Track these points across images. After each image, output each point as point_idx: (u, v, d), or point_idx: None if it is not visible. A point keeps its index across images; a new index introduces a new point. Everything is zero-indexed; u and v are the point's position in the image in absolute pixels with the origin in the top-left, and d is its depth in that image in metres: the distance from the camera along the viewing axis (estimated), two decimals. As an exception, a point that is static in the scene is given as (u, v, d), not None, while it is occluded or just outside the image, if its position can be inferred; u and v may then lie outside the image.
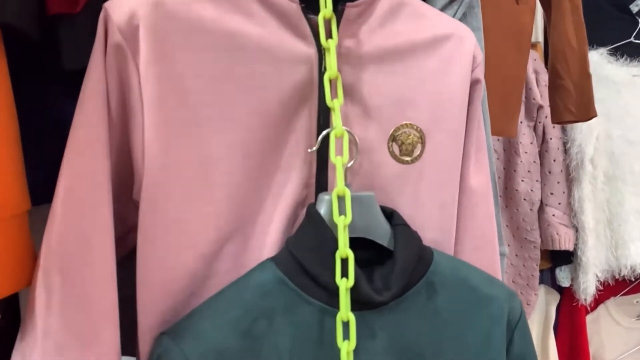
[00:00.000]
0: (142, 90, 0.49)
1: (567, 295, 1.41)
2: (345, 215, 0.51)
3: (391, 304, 0.53)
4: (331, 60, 0.53)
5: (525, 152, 1.26)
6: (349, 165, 0.56)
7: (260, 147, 0.53)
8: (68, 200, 0.49)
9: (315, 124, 0.56)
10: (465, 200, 0.66)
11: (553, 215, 1.29)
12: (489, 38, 0.79)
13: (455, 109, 0.63)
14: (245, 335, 0.48)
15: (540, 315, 1.41)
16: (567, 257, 1.33)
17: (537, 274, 1.30)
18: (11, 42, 0.51)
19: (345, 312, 0.49)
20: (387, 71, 0.58)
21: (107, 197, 0.50)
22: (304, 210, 0.55)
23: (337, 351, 0.49)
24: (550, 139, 1.29)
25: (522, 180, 1.27)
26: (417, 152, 0.60)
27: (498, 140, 1.29)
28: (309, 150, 0.55)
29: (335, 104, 0.53)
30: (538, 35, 1.32)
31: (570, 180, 1.29)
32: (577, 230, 1.30)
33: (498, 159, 1.30)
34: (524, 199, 1.27)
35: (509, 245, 1.29)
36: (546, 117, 1.26)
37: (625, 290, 1.47)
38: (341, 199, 0.52)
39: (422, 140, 0.60)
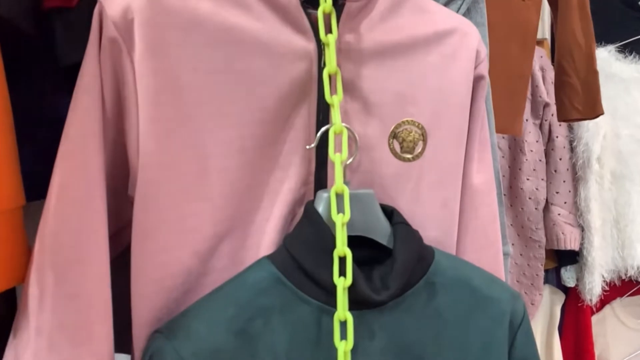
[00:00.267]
0: (137, 85, 0.48)
1: (572, 296, 1.40)
2: (343, 213, 0.50)
3: (390, 304, 0.52)
4: (330, 56, 0.52)
5: (531, 151, 1.25)
6: (348, 162, 0.55)
7: (258, 144, 0.52)
8: (61, 196, 0.49)
9: (314, 120, 0.55)
10: (468, 199, 0.65)
11: (558, 214, 1.28)
12: (494, 34, 0.77)
13: (458, 106, 0.62)
14: (240, 334, 0.47)
15: (544, 315, 1.40)
16: (572, 257, 1.32)
17: (541, 273, 1.28)
18: (6, 36, 0.50)
19: (342, 311, 0.48)
20: (388, 67, 0.57)
21: (101, 193, 0.49)
22: (302, 208, 0.54)
23: (334, 351, 0.48)
24: (557, 137, 1.27)
25: (528, 179, 1.25)
26: (418, 149, 0.59)
27: (503, 138, 1.27)
28: (307, 147, 0.54)
29: (335, 100, 0.52)
30: (545, 31, 1.31)
31: (577, 179, 1.28)
32: (582, 229, 1.28)
33: (503, 157, 1.28)
34: (529, 198, 1.26)
35: (513, 244, 1.28)
36: (552, 115, 1.25)
37: (632, 291, 1.46)
38: (340, 196, 0.51)
39: (424, 137, 0.59)
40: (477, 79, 0.63)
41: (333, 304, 0.49)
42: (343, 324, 0.49)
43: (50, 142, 0.51)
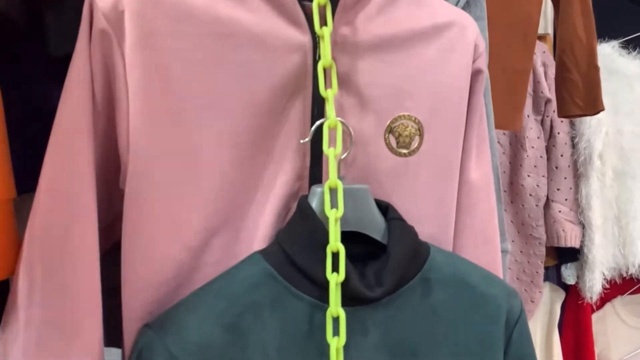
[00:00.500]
0: (128, 77, 0.47)
1: (572, 293, 1.39)
2: (337, 208, 0.49)
3: (384, 300, 0.52)
4: (325, 49, 0.51)
5: (532, 147, 1.24)
6: (343, 157, 0.54)
7: (251, 138, 0.52)
8: (50, 189, 0.48)
9: (309, 114, 0.54)
10: (465, 195, 0.64)
11: (559, 211, 1.27)
12: (494, 28, 0.77)
13: (456, 101, 0.61)
14: (231, 329, 0.47)
15: (544, 313, 1.39)
16: (573, 255, 1.31)
17: (541, 270, 1.28)
18: (-3, 27, 0.50)
19: (335, 307, 0.48)
20: (385, 60, 0.56)
21: (91, 186, 0.49)
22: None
23: (326, 347, 0.48)
24: (558, 133, 1.26)
25: (528, 176, 1.25)
26: (414, 144, 0.58)
27: (504, 134, 1.27)
28: (301, 141, 0.54)
29: (329, 93, 0.51)
30: (548, 27, 1.29)
31: (578, 175, 1.27)
32: (583, 227, 1.27)
33: (504, 153, 1.27)
34: (530, 195, 1.25)
35: (513, 241, 1.27)
36: (554, 111, 1.23)
37: (633, 289, 1.45)
38: (333, 191, 0.50)
39: (420, 132, 0.58)
40: (476, 73, 0.62)
41: (326, 300, 0.48)
42: (336, 320, 0.48)
43: (41, 134, 0.51)
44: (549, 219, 1.28)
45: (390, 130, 0.57)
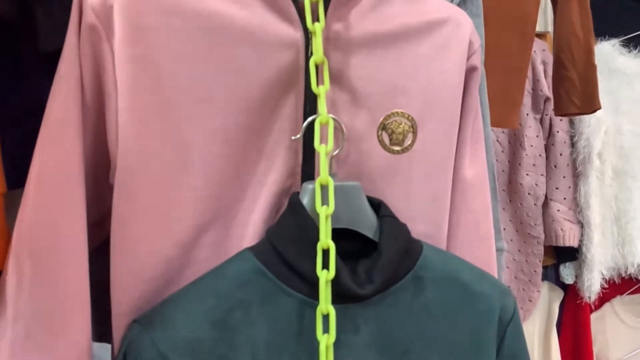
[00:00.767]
0: (117, 72, 0.47)
1: (571, 293, 1.38)
2: (328, 205, 0.49)
3: (376, 298, 0.51)
4: (317, 45, 0.51)
5: (531, 146, 1.23)
6: (335, 153, 0.54)
7: (242, 134, 0.52)
8: (39, 183, 0.48)
9: (301, 111, 0.54)
10: (459, 193, 0.64)
11: (558, 210, 1.27)
12: (491, 26, 0.76)
13: (450, 98, 0.61)
14: (220, 326, 0.47)
15: (543, 312, 1.39)
16: (571, 254, 1.31)
17: (540, 270, 1.27)
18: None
19: (325, 304, 0.48)
20: (378, 57, 0.56)
21: (80, 181, 0.49)
22: (288, 200, 0.53)
23: (316, 345, 0.48)
24: (557, 132, 1.26)
25: (527, 174, 1.24)
26: (408, 141, 0.58)
27: (503, 132, 1.26)
28: (293, 137, 0.53)
29: (321, 90, 0.51)
30: (548, 25, 1.29)
31: (577, 174, 1.27)
32: (582, 226, 1.27)
33: (503, 151, 1.27)
34: (528, 193, 1.24)
35: (511, 240, 1.27)
36: (553, 109, 1.23)
37: (632, 289, 1.44)
38: (324, 188, 0.50)
39: (414, 129, 0.58)
40: (470, 70, 0.62)
41: (316, 297, 0.48)
42: (326, 318, 0.48)
43: (32, 129, 0.50)
44: (548, 218, 1.28)
45: (383, 127, 0.57)
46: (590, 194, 1.23)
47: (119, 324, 0.49)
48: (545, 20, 1.28)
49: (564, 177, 1.26)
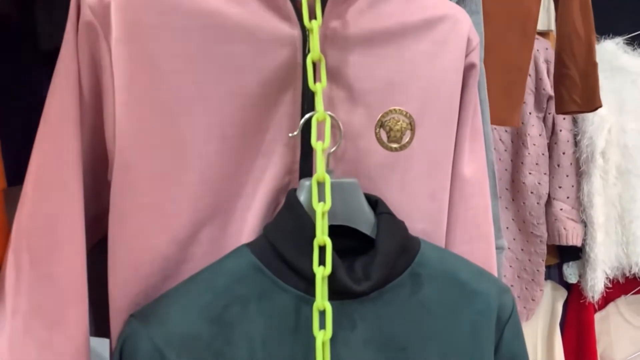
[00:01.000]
0: (114, 69, 0.48)
1: (575, 292, 1.38)
2: (324, 201, 0.49)
3: (373, 295, 0.51)
4: (314, 42, 0.51)
5: (534, 144, 1.23)
6: (332, 150, 0.54)
7: (240, 131, 0.52)
8: (38, 179, 0.49)
9: (299, 108, 0.54)
10: (458, 190, 0.64)
11: (561, 209, 1.26)
12: (492, 23, 0.76)
13: (448, 95, 0.60)
14: (216, 322, 0.47)
15: (546, 311, 1.38)
16: (575, 253, 1.30)
17: (543, 269, 1.27)
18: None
19: (321, 300, 0.48)
20: (376, 54, 0.56)
21: (77, 176, 0.49)
22: (285, 197, 0.54)
23: (313, 340, 0.48)
24: (560, 130, 1.25)
25: (530, 173, 1.24)
26: (405, 139, 0.58)
27: (506, 131, 1.26)
28: (290, 134, 0.53)
29: (318, 87, 0.51)
30: (551, 24, 1.28)
31: (580, 173, 1.26)
32: (585, 225, 1.26)
33: (506, 150, 1.27)
34: (531, 192, 1.24)
35: (514, 239, 1.27)
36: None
37: (637, 289, 1.43)
38: (321, 185, 0.50)
39: (412, 126, 0.58)
40: (469, 68, 0.62)
41: (312, 293, 0.48)
42: (322, 314, 0.48)
43: (32, 126, 0.51)
44: (551, 217, 1.27)
45: (381, 124, 0.57)
46: (593, 193, 1.23)
47: (116, 319, 0.50)
48: (548, 18, 1.27)
49: (567, 176, 1.26)
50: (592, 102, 0.94)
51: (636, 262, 1.28)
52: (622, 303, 1.45)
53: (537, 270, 1.26)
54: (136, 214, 0.49)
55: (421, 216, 0.60)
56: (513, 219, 1.28)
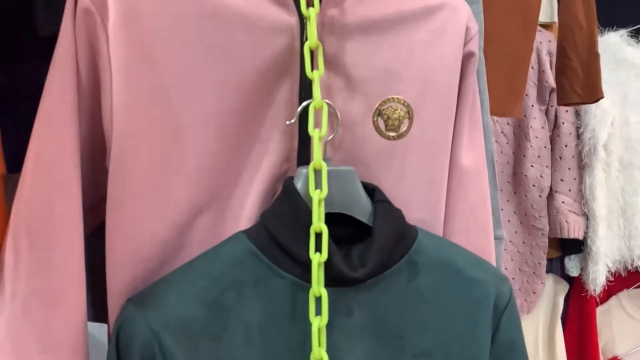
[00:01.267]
0: (111, 56, 0.48)
1: (576, 286, 1.38)
2: (321, 189, 0.49)
3: (369, 282, 0.52)
4: (311, 30, 0.51)
5: (536, 137, 1.23)
6: (329, 139, 0.54)
7: (237, 118, 0.52)
8: (36, 163, 0.49)
9: (296, 96, 0.54)
10: (456, 180, 0.64)
11: (562, 202, 1.26)
12: (492, 13, 0.75)
13: (446, 84, 0.60)
14: (212, 306, 0.47)
15: (547, 304, 1.38)
16: (577, 246, 1.30)
17: (544, 262, 1.27)
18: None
19: (317, 286, 0.48)
20: (374, 42, 0.56)
21: (75, 161, 0.49)
22: (283, 184, 0.54)
23: (309, 327, 0.48)
24: (563, 123, 1.25)
25: (532, 166, 1.23)
26: (403, 127, 0.58)
27: (508, 124, 1.25)
28: (287, 122, 0.54)
29: (315, 75, 0.51)
30: (554, 15, 1.27)
31: (582, 166, 1.25)
32: (587, 218, 1.26)
33: (508, 143, 1.26)
34: (533, 185, 1.24)
35: (516, 232, 1.26)
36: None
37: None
38: (318, 172, 0.50)
39: (410, 115, 0.58)
40: (467, 56, 0.62)
41: (309, 280, 0.49)
42: (318, 300, 0.48)
43: (32, 113, 0.51)
44: (552, 210, 1.27)
45: (379, 112, 0.57)
46: (595, 186, 1.22)
47: (114, 303, 0.50)
48: (551, 10, 1.27)
49: (569, 168, 1.25)
50: (593, 93, 0.93)
51: (638, 256, 1.28)
52: (624, 297, 1.44)
53: (539, 263, 1.26)
54: (133, 199, 0.50)
55: (419, 205, 0.60)
56: (515, 212, 1.27)
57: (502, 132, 1.26)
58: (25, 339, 0.47)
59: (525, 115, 1.23)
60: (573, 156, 1.25)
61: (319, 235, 0.49)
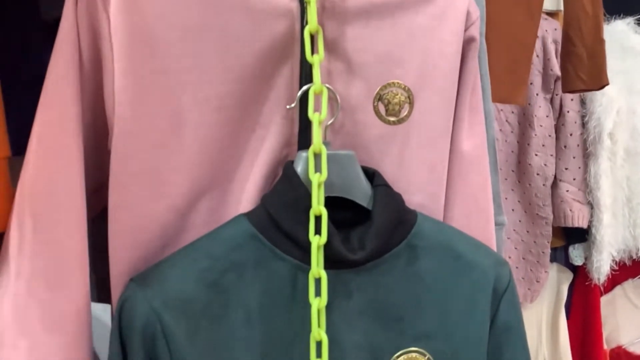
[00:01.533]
0: (112, 39, 0.49)
1: (581, 275, 1.37)
2: (320, 172, 0.50)
3: (369, 265, 0.52)
4: (312, 14, 0.51)
5: (540, 126, 1.22)
6: (329, 123, 0.55)
7: (237, 102, 0.52)
8: (39, 145, 0.50)
9: (297, 80, 0.55)
10: (456, 165, 0.64)
11: (567, 190, 1.25)
12: (495, -1, 0.75)
13: (447, 68, 0.60)
14: (213, 287, 0.48)
15: (551, 293, 1.38)
16: (581, 235, 1.30)
17: (548, 251, 1.26)
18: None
19: (316, 268, 0.49)
20: (374, 27, 0.56)
21: (77, 143, 0.50)
22: (284, 168, 0.54)
23: (308, 308, 0.49)
24: (568, 112, 1.24)
25: (536, 155, 1.23)
26: (404, 112, 0.58)
27: (513, 112, 1.25)
28: (288, 106, 0.54)
29: (315, 59, 0.52)
30: (560, 3, 1.26)
31: (587, 155, 1.25)
32: (592, 207, 1.25)
33: (512, 132, 1.26)
34: (537, 174, 1.23)
35: (520, 220, 1.26)
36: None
37: (644, 272, 1.43)
38: (318, 156, 0.51)
39: (410, 100, 0.58)
40: (468, 41, 0.62)
41: (308, 262, 0.49)
42: (318, 282, 0.49)
43: (35, 97, 0.52)
44: (557, 198, 1.26)
45: (379, 97, 0.57)
46: (600, 175, 1.22)
47: (116, 283, 0.51)
48: (557, -2, 1.26)
49: (573, 157, 1.25)
50: (598, 80, 0.92)
51: (644, 245, 1.28)
52: (629, 286, 1.44)
53: (543, 252, 1.26)
54: (135, 181, 0.50)
55: (419, 189, 0.60)
56: (519, 201, 1.27)
57: (506, 120, 1.25)
58: (29, 317, 0.48)
59: (529, 104, 1.22)
60: (578, 145, 1.25)
61: (318, 218, 0.49)
